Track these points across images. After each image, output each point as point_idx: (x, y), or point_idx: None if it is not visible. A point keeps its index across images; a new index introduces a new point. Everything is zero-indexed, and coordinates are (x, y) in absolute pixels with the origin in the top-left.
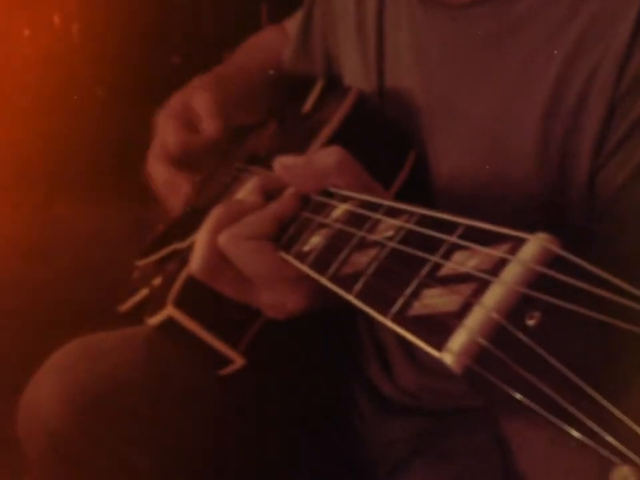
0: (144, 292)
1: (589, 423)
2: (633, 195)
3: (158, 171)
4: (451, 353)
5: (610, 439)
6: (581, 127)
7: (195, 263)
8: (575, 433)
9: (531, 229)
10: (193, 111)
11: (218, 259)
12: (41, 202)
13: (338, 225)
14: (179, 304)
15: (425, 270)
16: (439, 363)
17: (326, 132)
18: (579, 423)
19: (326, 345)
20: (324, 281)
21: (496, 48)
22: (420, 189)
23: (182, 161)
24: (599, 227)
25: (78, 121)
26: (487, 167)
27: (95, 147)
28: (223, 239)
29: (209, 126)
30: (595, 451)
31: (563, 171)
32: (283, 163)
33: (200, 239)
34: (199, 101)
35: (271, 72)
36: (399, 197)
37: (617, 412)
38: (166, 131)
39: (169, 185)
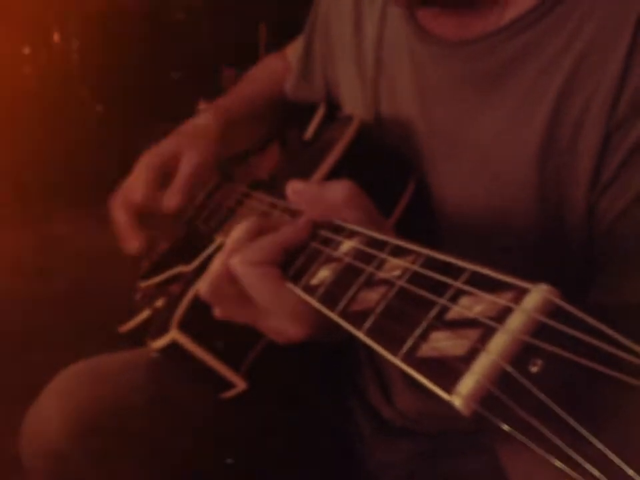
0: (146, 313)
1: (586, 465)
2: (632, 222)
3: (117, 213)
4: (460, 397)
5: None
6: (577, 158)
7: (205, 282)
8: (575, 475)
9: (533, 274)
10: (176, 167)
11: (227, 280)
12: (40, 220)
13: (347, 260)
14: (184, 328)
15: (433, 312)
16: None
17: (329, 159)
18: (575, 465)
19: (326, 367)
20: (334, 316)
21: (493, 83)
22: (422, 216)
23: (142, 213)
24: (598, 258)
25: (77, 138)
26: (487, 196)
27: (94, 163)
28: (233, 261)
29: (170, 200)
30: None
31: (560, 201)
32: (295, 188)
33: (216, 261)
34: (184, 162)
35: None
36: (402, 224)
37: (615, 458)
38: (139, 180)
39: (122, 230)
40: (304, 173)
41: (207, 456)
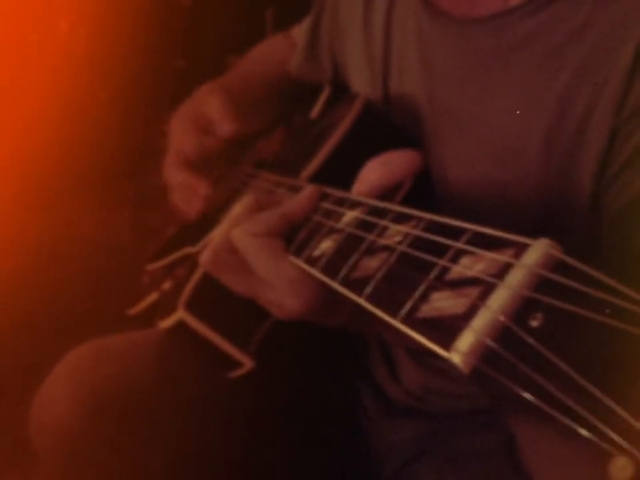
0: (154, 296)
1: (590, 418)
2: (634, 218)
3: (176, 176)
4: (458, 353)
5: (609, 432)
6: (583, 151)
7: (205, 253)
8: (577, 427)
9: (535, 235)
10: (206, 116)
11: (228, 251)
12: (47, 206)
13: (348, 230)
14: (190, 307)
15: (433, 273)
16: (444, 364)
17: (334, 138)
18: (580, 418)
19: (332, 347)
20: (335, 285)
21: (500, 63)
22: (425, 196)
23: (200, 165)
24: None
25: (83, 125)
26: (491, 177)
27: (101, 150)
28: (234, 232)
29: (224, 127)
30: (595, 444)
31: (566, 185)
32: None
33: (218, 233)
34: (211, 106)
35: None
36: (404, 203)
37: (615, 406)
38: (182, 137)
39: (189, 189)
40: (309, 151)
41: (216, 435)
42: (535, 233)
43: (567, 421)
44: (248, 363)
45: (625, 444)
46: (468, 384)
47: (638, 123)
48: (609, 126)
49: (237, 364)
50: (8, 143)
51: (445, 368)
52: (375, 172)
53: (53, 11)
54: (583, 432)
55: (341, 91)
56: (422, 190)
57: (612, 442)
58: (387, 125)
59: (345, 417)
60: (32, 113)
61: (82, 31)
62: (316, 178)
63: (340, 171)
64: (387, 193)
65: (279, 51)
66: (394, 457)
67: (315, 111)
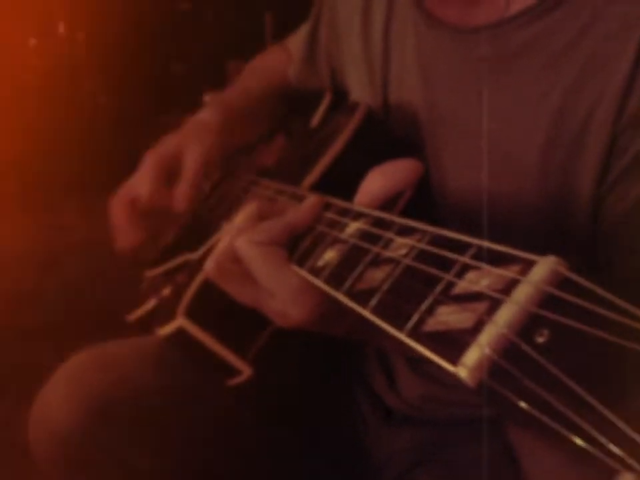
0: (152, 302)
1: (594, 434)
2: (632, 226)
3: (116, 208)
4: (465, 368)
5: (614, 448)
6: (581, 159)
7: (209, 262)
8: (581, 443)
9: (539, 251)
10: (180, 164)
11: (231, 260)
12: (46, 210)
13: (352, 241)
14: (190, 314)
15: (439, 287)
16: (442, 373)
17: (335, 146)
18: (584, 433)
19: (331, 356)
20: (340, 296)
21: (498, 72)
22: (424, 204)
23: (144, 212)
24: (601, 253)
25: (82, 129)
26: (490, 185)
27: (99, 153)
28: (238, 241)
29: (180, 200)
30: (600, 460)
31: (565, 192)
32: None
33: (222, 241)
34: (188, 158)
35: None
36: (404, 213)
37: (620, 423)
38: (144, 177)
39: (119, 225)
40: (310, 160)
41: (214, 442)
42: (534, 241)
43: (573, 437)
44: (247, 371)
45: (629, 460)
46: (466, 393)
47: (636, 131)
48: (607, 134)
49: (236, 371)
50: (7, 145)
51: (442, 376)
52: (376, 183)
53: (52, 14)
54: (589, 448)
55: (341, 98)
56: (421, 198)
57: (617, 457)
58: (387, 134)
59: (343, 425)
60: (31, 116)
61: (80, 35)
62: (318, 186)
63: (341, 180)
64: (388, 202)
65: (277, 62)
66: (393, 465)
67: (315, 119)
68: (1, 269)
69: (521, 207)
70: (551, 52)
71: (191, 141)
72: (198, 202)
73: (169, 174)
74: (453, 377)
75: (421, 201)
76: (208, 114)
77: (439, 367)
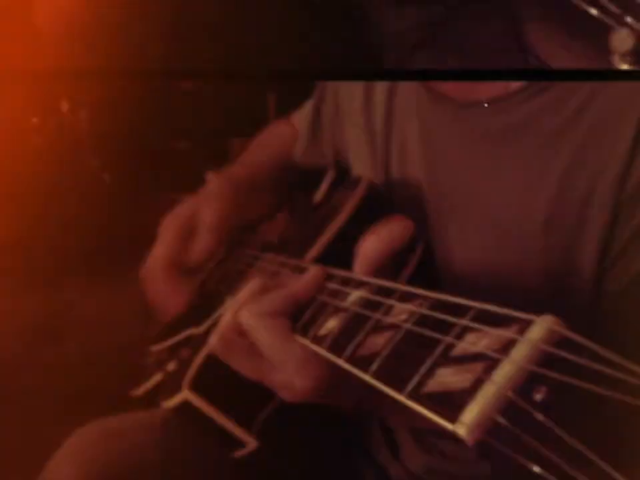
0: (158, 376)
1: None
2: (632, 301)
3: (157, 282)
4: (463, 425)
5: None
6: (584, 232)
7: (214, 336)
8: None
9: (538, 312)
10: (198, 221)
11: (236, 334)
12: (49, 285)
13: (354, 309)
14: (195, 387)
15: (438, 350)
16: (446, 446)
17: (338, 220)
18: None
19: (336, 430)
20: (341, 362)
21: (499, 146)
22: (429, 277)
23: (181, 269)
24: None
25: (85, 207)
26: (493, 259)
27: (104, 231)
28: (241, 313)
29: (203, 243)
30: None
31: (566, 273)
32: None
33: (226, 314)
34: (205, 213)
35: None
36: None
37: (620, 478)
38: (163, 241)
39: (163, 292)
40: (313, 234)
41: None
42: (537, 311)
43: None
44: (252, 443)
45: None
46: (470, 466)
47: (636, 208)
48: (609, 207)
49: (241, 444)
50: (10, 221)
51: (447, 450)
52: (370, 246)
53: (54, 92)
54: None
55: (344, 175)
56: (426, 271)
57: None
58: (390, 207)
59: None
60: (34, 194)
61: (83, 113)
62: (320, 259)
63: (344, 253)
64: (389, 269)
65: (282, 138)
66: None
67: (318, 195)
68: (1, 343)
69: (523, 279)
70: (552, 125)
71: (204, 205)
72: (203, 275)
73: (188, 233)
74: (455, 440)
75: (426, 273)
76: (216, 184)
77: (442, 438)
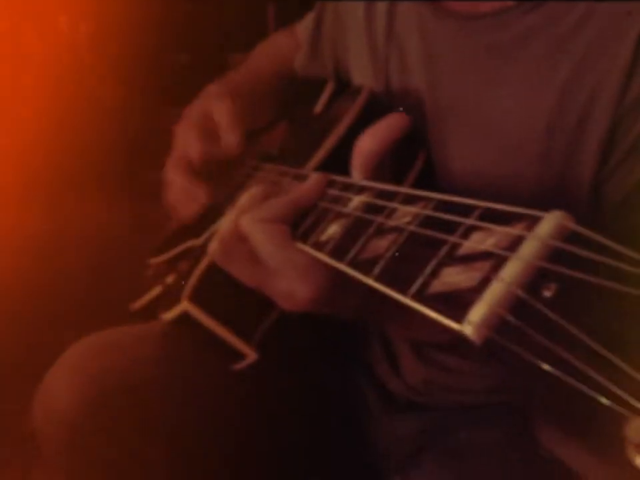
0: (157, 289)
1: (604, 382)
2: (634, 209)
3: (177, 180)
4: (471, 325)
5: (624, 395)
6: (584, 140)
7: (215, 243)
8: (592, 393)
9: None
10: (213, 121)
11: (236, 240)
12: (49, 201)
13: (356, 214)
14: (194, 299)
15: (443, 250)
16: (446, 358)
17: (339, 129)
18: (594, 382)
19: (335, 343)
20: (342, 267)
21: (502, 57)
22: (429, 188)
23: (201, 170)
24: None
25: (86, 121)
26: (493, 170)
27: (103, 145)
28: (242, 219)
29: (231, 140)
30: (611, 407)
31: (566, 177)
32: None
33: (225, 223)
34: (219, 112)
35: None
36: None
37: (629, 369)
38: (187, 141)
39: (187, 194)
40: (314, 143)
41: (217, 428)
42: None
43: (582, 387)
44: (251, 355)
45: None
46: (470, 379)
47: (636, 116)
48: (610, 116)
49: (241, 356)
50: (8, 139)
51: (447, 362)
52: (365, 142)
53: (53, 6)
54: (599, 397)
55: (345, 86)
56: (426, 182)
57: (628, 405)
58: None
59: (347, 412)
60: (33, 108)
61: (82, 27)
62: (321, 168)
63: (345, 162)
64: (387, 170)
65: (283, 48)
66: (397, 451)
67: (319, 106)
68: (2, 260)
69: (522, 189)
70: (554, 36)
71: (213, 101)
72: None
73: (207, 133)
74: (458, 334)
75: (426, 184)
76: (216, 87)
77: (443, 352)
